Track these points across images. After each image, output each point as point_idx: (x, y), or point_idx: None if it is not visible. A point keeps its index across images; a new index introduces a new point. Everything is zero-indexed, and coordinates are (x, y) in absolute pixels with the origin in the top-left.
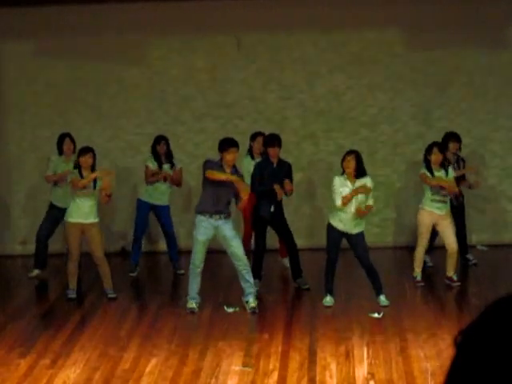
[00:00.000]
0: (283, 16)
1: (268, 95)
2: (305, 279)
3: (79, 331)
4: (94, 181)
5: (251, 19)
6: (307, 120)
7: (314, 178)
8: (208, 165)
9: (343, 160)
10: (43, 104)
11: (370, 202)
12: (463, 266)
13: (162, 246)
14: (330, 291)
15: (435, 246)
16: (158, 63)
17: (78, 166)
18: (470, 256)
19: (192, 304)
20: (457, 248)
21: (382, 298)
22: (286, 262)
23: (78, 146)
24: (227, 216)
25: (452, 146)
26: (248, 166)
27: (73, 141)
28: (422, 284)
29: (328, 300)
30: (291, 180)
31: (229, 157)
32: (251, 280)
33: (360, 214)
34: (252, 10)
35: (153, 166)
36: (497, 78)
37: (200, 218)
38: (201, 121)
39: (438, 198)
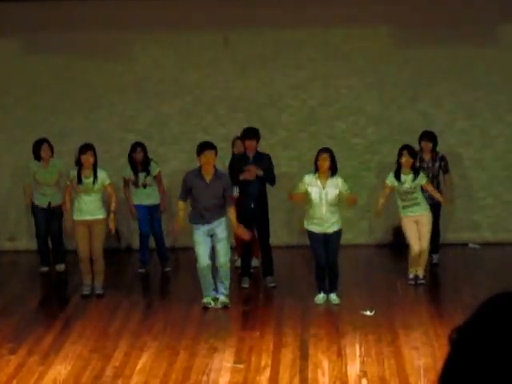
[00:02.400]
0: (272, 14)
1: (259, 93)
2: (274, 278)
3: (70, 328)
4: (95, 177)
5: (239, 17)
6: (301, 118)
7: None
8: (182, 187)
9: (317, 159)
10: (29, 101)
11: (349, 194)
12: (457, 265)
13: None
14: (323, 289)
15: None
16: (145, 60)
17: (78, 165)
18: (435, 256)
19: (207, 299)
20: (425, 248)
21: (334, 296)
22: (257, 262)
23: (73, 144)
24: (220, 215)
25: (424, 145)
26: None
27: (50, 146)
28: (413, 283)
29: (321, 298)
30: (271, 171)
31: (204, 160)
32: (227, 283)
33: (351, 201)
34: (239, 7)
35: (129, 175)
36: (492, 76)
37: (194, 226)
38: (191, 119)
39: (407, 203)
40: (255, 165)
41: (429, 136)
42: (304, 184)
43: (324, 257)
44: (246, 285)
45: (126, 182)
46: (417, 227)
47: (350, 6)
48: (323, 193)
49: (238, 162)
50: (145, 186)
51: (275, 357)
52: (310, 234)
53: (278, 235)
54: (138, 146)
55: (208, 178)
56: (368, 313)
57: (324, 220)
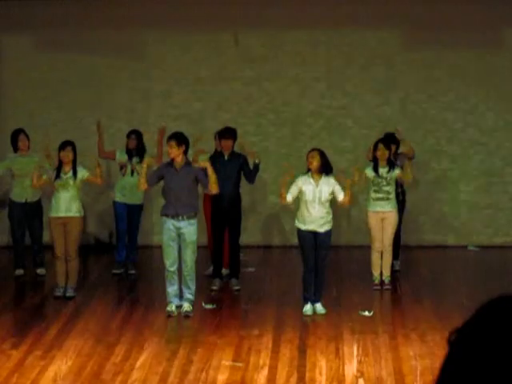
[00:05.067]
0: (281, 14)
1: (265, 92)
2: (239, 281)
3: (71, 323)
4: (74, 173)
5: (249, 16)
6: (304, 120)
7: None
8: (153, 172)
9: (307, 157)
10: (39, 97)
11: (341, 196)
12: (455, 267)
13: (155, 239)
14: (309, 299)
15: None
16: (156, 58)
17: (58, 161)
18: (395, 263)
19: (171, 307)
20: (388, 248)
21: (319, 306)
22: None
23: (77, 141)
24: (191, 216)
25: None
26: None
27: (27, 137)
28: (379, 288)
29: (308, 308)
30: (249, 170)
31: (168, 150)
32: (193, 288)
33: (347, 202)
34: (250, 7)
35: (122, 157)
36: (493, 78)
37: (164, 219)
38: (199, 117)
39: (379, 195)
40: (230, 164)
41: (393, 140)
42: (297, 185)
43: (313, 258)
44: (215, 287)
45: (120, 166)
46: (382, 225)
47: (362, 6)
48: (317, 191)
49: (212, 161)
50: (132, 173)
51: (273, 356)
52: (300, 233)
53: (281, 235)
54: (132, 133)
55: (178, 167)
56: (366, 313)
57: (316, 219)
